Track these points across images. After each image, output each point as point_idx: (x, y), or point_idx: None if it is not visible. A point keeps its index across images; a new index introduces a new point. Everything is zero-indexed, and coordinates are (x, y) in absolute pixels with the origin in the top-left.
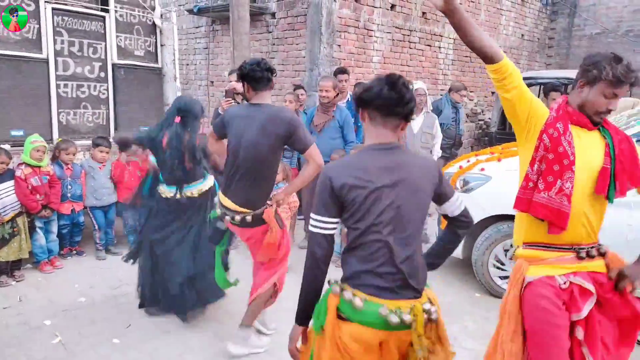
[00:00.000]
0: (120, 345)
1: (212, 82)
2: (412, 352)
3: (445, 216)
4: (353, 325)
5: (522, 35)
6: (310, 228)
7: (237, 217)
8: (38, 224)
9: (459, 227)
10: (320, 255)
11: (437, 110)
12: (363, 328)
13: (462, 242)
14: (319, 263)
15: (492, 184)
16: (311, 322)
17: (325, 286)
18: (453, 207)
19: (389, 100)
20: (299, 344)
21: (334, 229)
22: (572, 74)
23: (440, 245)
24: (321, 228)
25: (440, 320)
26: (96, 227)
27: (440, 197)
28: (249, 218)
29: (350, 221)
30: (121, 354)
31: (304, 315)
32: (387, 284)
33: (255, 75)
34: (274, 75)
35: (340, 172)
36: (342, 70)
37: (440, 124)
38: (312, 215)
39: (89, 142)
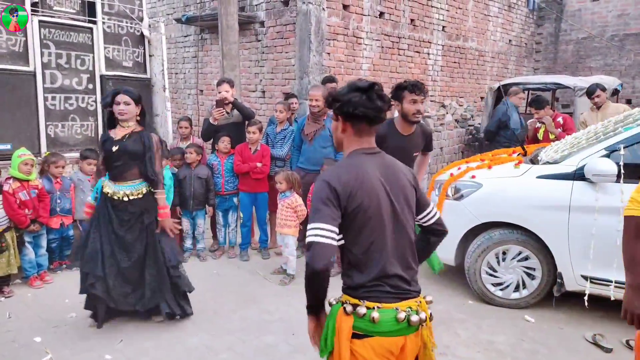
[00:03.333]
0: None
1: (202, 90)
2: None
3: (421, 226)
4: (373, 339)
5: (510, 40)
6: (317, 239)
7: None
8: (27, 238)
9: (433, 234)
10: (328, 268)
11: (506, 116)
12: (384, 339)
13: (455, 249)
14: (327, 276)
15: (483, 191)
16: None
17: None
18: (429, 216)
19: (380, 110)
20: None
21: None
22: (560, 79)
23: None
24: (331, 239)
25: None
26: None
27: (418, 205)
28: None
29: (352, 232)
30: None
31: (315, 306)
32: (394, 289)
33: None
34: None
35: (341, 179)
36: (329, 79)
37: (512, 129)
38: (316, 225)
39: (77, 154)
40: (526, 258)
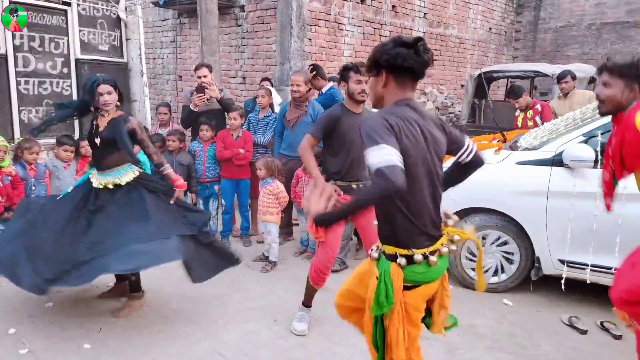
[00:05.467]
0: (91, 351)
1: (181, 76)
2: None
3: (459, 164)
4: (421, 288)
5: (490, 28)
6: (393, 162)
7: None
8: (0, 227)
9: (473, 167)
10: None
11: None
12: (428, 286)
13: None
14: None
15: None
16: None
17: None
18: (466, 153)
19: (426, 64)
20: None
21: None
22: (539, 67)
23: (448, 178)
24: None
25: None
26: None
27: (453, 145)
28: None
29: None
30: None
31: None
32: (430, 233)
33: None
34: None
35: (391, 119)
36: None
37: None
38: (385, 148)
39: (53, 140)
40: (505, 243)
